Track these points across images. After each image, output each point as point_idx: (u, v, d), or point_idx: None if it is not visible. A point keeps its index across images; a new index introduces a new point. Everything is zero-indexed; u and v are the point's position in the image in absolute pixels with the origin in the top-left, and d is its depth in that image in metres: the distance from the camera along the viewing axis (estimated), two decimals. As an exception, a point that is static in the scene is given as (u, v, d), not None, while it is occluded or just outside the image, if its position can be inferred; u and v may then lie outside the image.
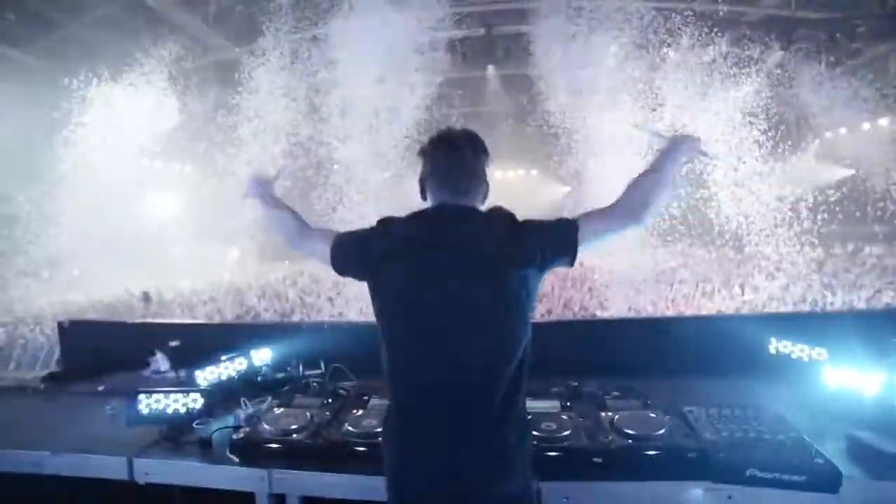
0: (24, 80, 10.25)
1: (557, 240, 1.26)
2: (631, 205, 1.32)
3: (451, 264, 1.21)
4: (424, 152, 1.36)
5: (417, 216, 1.31)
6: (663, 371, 2.19)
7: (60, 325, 3.08)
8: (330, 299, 8.19)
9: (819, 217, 11.77)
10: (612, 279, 8.80)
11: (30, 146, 10.45)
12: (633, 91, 11.32)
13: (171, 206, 14.36)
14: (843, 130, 14.03)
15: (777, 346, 2.26)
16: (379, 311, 1.28)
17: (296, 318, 7.54)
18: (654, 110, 11.23)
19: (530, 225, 1.28)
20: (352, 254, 1.33)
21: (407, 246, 1.25)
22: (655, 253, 12.04)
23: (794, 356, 2.18)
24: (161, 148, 12.53)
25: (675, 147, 1.46)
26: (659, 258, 11.53)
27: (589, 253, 1.31)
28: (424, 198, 1.36)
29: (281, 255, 14.12)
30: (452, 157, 1.31)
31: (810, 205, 11.69)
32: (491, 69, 12.70)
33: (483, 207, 1.35)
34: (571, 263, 1.28)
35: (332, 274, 1.43)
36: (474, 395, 1.19)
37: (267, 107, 11.29)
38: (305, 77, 10.88)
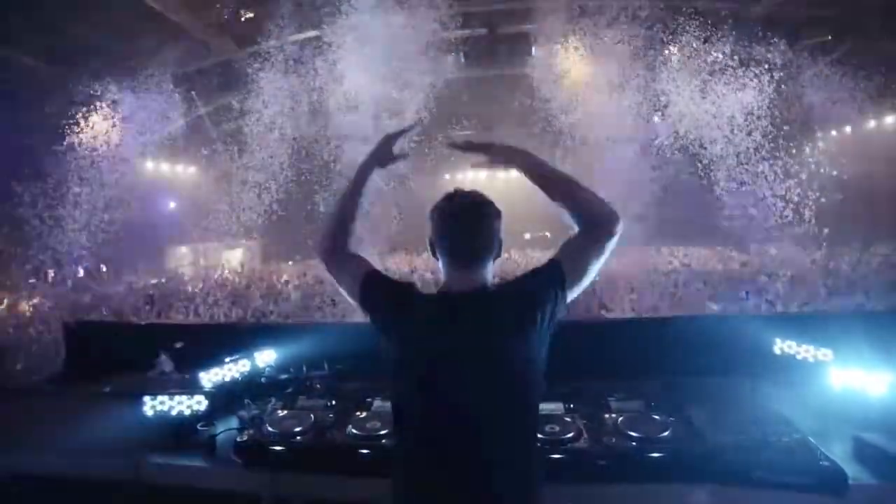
0: (32, 82, 10.32)
1: (553, 295, 1.22)
2: (599, 220, 1.25)
3: (465, 351, 1.18)
4: (433, 216, 1.30)
5: (435, 301, 1.29)
6: (667, 372, 2.18)
7: (66, 325, 3.10)
8: (333, 301, 8.21)
9: (824, 216, 11.69)
10: (616, 280, 8.77)
11: (37, 148, 10.52)
12: (636, 91, 11.30)
13: (175, 206, 14.43)
14: (848, 128, 13.94)
15: (782, 346, 2.25)
16: (393, 375, 1.25)
17: (299, 318, 7.56)
18: (655, 111, 11.22)
19: (529, 293, 1.23)
20: (381, 304, 1.30)
21: (423, 325, 1.23)
22: (659, 253, 12.02)
23: (799, 357, 2.17)
24: (166, 150, 12.60)
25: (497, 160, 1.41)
26: (662, 258, 11.50)
27: (588, 281, 1.27)
28: (435, 257, 1.33)
29: (285, 256, 14.17)
30: (462, 228, 1.27)
31: (815, 203, 11.61)
32: (494, 69, 12.70)
33: (492, 268, 1.30)
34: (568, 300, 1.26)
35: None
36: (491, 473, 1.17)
37: (271, 108, 11.32)
38: (309, 77, 10.89)
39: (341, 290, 1.39)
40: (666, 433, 1.59)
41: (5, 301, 8.93)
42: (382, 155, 1.48)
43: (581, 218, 1.26)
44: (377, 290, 1.32)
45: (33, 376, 2.69)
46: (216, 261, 14.03)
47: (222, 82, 12.42)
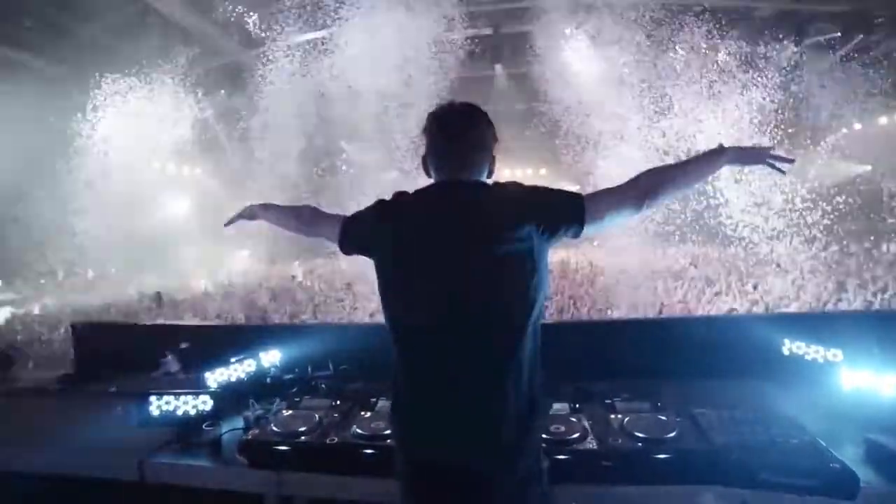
0: (41, 85, 10.43)
1: (564, 207, 1.25)
2: (636, 190, 1.30)
3: (454, 233, 1.20)
4: (425, 129, 1.34)
5: (421, 192, 1.30)
6: (673, 372, 2.16)
7: (74, 326, 3.13)
8: (339, 301, 8.23)
9: (834, 214, 11.56)
10: (622, 278, 8.73)
11: (46, 150, 10.64)
12: (642, 89, 11.23)
13: (182, 208, 14.53)
14: (857, 126, 13.77)
15: (791, 346, 2.21)
16: (383, 286, 1.27)
17: (305, 319, 7.58)
18: (660, 112, 11.14)
19: (536, 194, 1.26)
20: (358, 234, 1.35)
21: (411, 220, 1.25)
22: (665, 252, 11.94)
23: (808, 357, 2.14)
24: (173, 151, 12.69)
25: (726, 153, 1.43)
26: (668, 257, 11.42)
27: (595, 231, 1.29)
28: (429, 175, 1.34)
29: (291, 256, 14.23)
30: (452, 132, 1.29)
31: (825, 201, 11.48)
32: (499, 68, 12.67)
33: (490, 180, 1.34)
34: (578, 233, 1.26)
35: (342, 276, 1.43)
36: (476, 359, 1.18)
37: (277, 109, 11.38)
38: (314, 77, 10.93)
39: (342, 251, 1.42)
40: (672, 434, 1.57)
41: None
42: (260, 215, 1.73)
43: (640, 178, 1.32)
44: (350, 226, 1.39)
45: (43, 376, 2.70)
46: (223, 261, 14.12)
47: (229, 83, 12.49)
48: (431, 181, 1.34)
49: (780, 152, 1.47)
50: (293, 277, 11.43)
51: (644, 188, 1.30)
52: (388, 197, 1.34)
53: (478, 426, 1.17)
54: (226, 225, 1.88)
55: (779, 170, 1.47)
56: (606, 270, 9.83)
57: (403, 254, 1.23)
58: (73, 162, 10.76)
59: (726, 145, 1.45)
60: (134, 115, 11.13)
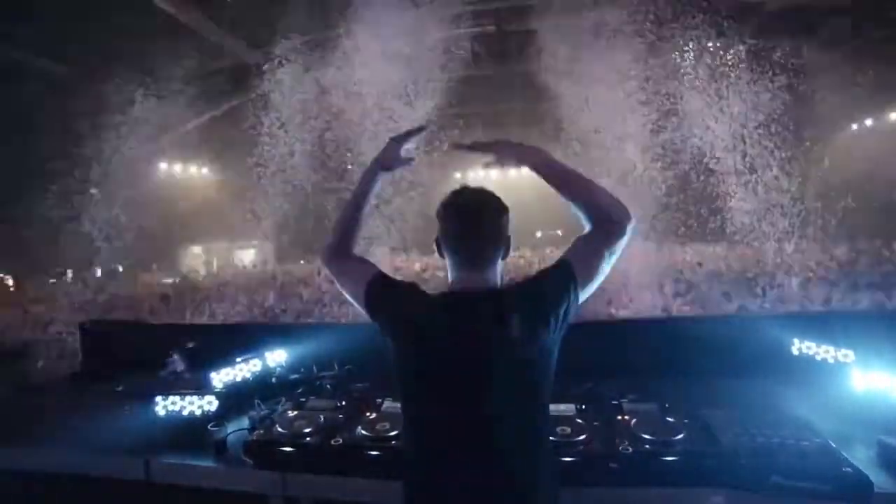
0: (48, 85, 10.54)
1: (568, 301, 1.20)
2: (610, 218, 1.23)
3: (473, 352, 1.16)
4: (439, 214, 1.29)
5: (441, 300, 1.25)
6: (681, 373, 2.14)
7: (82, 325, 3.15)
8: (344, 301, 8.23)
9: (844, 212, 11.42)
10: (628, 278, 8.67)
11: (54, 149, 10.75)
12: (647, 87, 11.15)
13: (189, 207, 14.63)
14: (868, 122, 13.59)
15: (800, 346, 2.19)
16: (400, 376, 1.24)
17: (310, 318, 7.61)
18: (666, 109, 11.05)
19: (541, 297, 1.19)
20: (386, 306, 1.28)
21: (431, 326, 1.20)
22: (672, 251, 11.86)
23: (818, 357, 2.11)
24: (180, 151, 12.78)
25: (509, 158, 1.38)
26: (675, 256, 11.35)
27: (600, 280, 1.24)
28: (442, 257, 1.30)
29: (297, 256, 14.29)
30: (466, 226, 1.24)
31: (834, 199, 11.34)
32: (503, 67, 12.62)
33: (501, 267, 1.28)
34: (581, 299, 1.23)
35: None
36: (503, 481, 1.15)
37: (283, 109, 11.41)
38: (321, 77, 10.95)
39: (345, 293, 1.37)
40: (680, 436, 1.55)
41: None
42: (388, 160, 1.45)
43: (592, 216, 1.23)
44: (382, 292, 1.30)
45: (51, 375, 2.73)
46: (230, 260, 14.22)
47: (236, 83, 12.54)
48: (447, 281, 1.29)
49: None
50: (298, 276, 11.47)
51: (618, 213, 1.23)
52: (409, 285, 1.31)
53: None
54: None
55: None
56: (613, 269, 9.77)
57: (425, 359, 1.20)
58: (81, 161, 10.86)
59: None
60: (141, 115, 11.21)
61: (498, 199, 1.27)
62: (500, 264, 1.27)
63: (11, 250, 11.69)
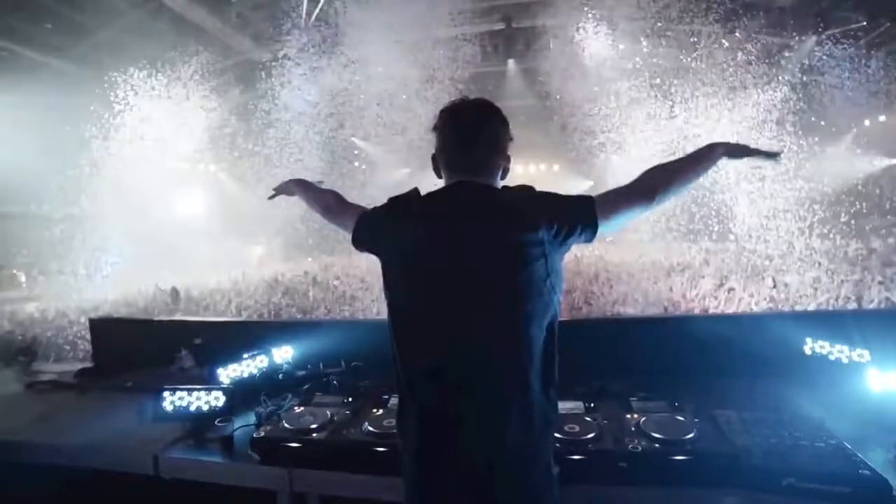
0: (60, 84, 10.64)
1: (576, 211, 1.22)
2: (645, 185, 1.30)
3: (465, 238, 1.16)
4: (436, 127, 1.29)
5: (432, 195, 1.26)
6: (690, 371, 2.11)
7: (91, 321, 3.18)
8: (352, 297, 8.27)
9: (856, 209, 11.25)
10: (636, 275, 8.61)
11: (65, 148, 10.86)
12: (657, 82, 11.05)
13: (197, 205, 14.73)
14: (882, 118, 13.34)
15: (813, 346, 2.14)
16: (387, 286, 1.25)
17: (317, 315, 7.63)
18: (677, 104, 10.93)
19: (548, 197, 1.23)
20: (369, 230, 1.33)
21: (420, 222, 1.20)
22: (680, 248, 11.75)
23: (832, 357, 2.06)
24: (189, 148, 12.87)
25: (720, 146, 1.42)
26: (683, 253, 11.25)
27: (608, 230, 1.27)
28: (439, 175, 1.30)
29: (304, 253, 14.34)
30: (465, 131, 1.24)
31: (846, 196, 11.19)
32: (511, 63, 12.56)
33: (502, 183, 1.29)
34: (592, 237, 1.23)
35: (355, 271, 1.42)
36: (482, 375, 1.14)
37: (291, 106, 11.45)
38: (328, 73, 10.97)
39: (354, 245, 1.39)
40: (691, 435, 1.52)
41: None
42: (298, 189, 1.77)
43: (648, 174, 1.31)
44: (363, 221, 1.35)
45: (61, 370, 2.75)
46: (238, 257, 14.29)
47: (243, 81, 12.59)
48: (441, 182, 1.30)
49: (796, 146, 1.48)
50: (305, 273, 11.50)
51: (652, 185, 1.29)
52: (400, 194, 1.30)
53: (490, 433, 1.15)
54: (269, 198, 1.96)
55: (771, 156, 1.50)
56: (620, 267, 9.71)
57: (413, 256, 1.19)
58: (92, 160, 10.97)
59: (740, 141, 1.47)
60: (151, 113, 11.30)
61: (498, 109, 1.27)
62: (498, 179, 1.27)
63: (23, 247, 11.84)
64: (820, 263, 9.08)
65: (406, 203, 1.26)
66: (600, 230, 1.22)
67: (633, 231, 10.99)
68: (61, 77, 10.72)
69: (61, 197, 10.88)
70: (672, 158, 1.45)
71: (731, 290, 7.41)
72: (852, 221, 11.07)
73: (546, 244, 1.15)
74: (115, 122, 11.08)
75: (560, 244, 1.19)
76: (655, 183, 1.29)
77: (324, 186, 1.75)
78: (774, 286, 7.46)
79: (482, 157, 1.23)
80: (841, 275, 8.18)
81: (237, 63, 12.43)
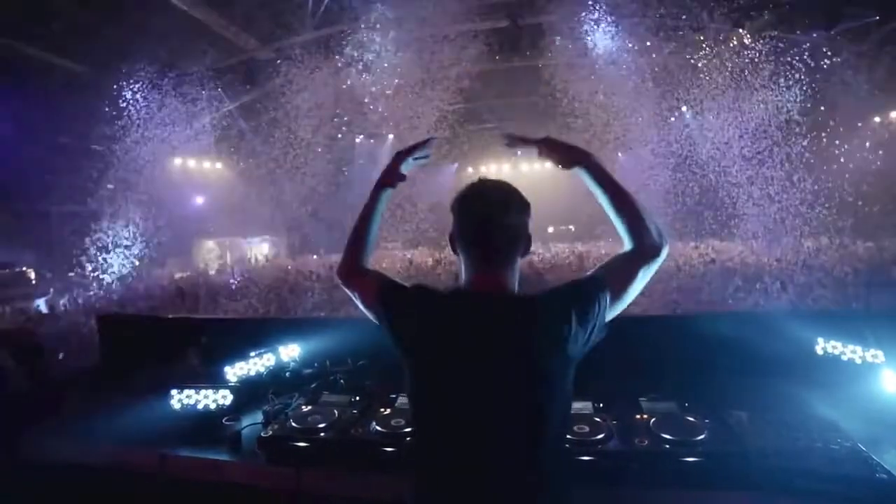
0: (69, 84, 10.71)
1: (596, 317, 1.13)
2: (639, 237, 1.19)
3: (483, 359, 1.10)
4: (454, 208, 1.21)
5: (453, 301, 1.19)
6: (698, 371, 2.07)
7: (99, 319, 3.20)
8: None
9: (866, 208, 11.12)
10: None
11: (75, 147, 10.95)
12: (663, 80, 10.97)
13: (204, 202, 14.80)
14: (894, 114, 13.17)
15: (825, 346, 2.12)
16: (410, 382, 1.19)
17: (322, 313, 7.65)
18: (683, 103, 10.83)
19: (568, 314, 1.10)
20: (393, 311, 1.22)
21: (441, 329, 1.14)
22: (686, 246, 11.67)
23: (844, 357, 2.04)
24: (195, 146, 12.94)
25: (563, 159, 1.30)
26: (689, 252, 11.17)
27: (629, 300, 1.19)
28: (456, 253, 1.23)
29: (310, 250, 14.37)
30: (485, 221, 1.16)
31: (856, 195, 11.05)
32: (516, 60, 12.50)
33: (518, 267, 1.20)
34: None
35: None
36: (500, 474, 1.09)
37: (295, 104, 11.47)
38: (332, 72, 10.98)
39: (361, 308, 1.32)
40: (702, 436, 1.51)
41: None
42: (392, 176, 1.41)
43: (634, 235, 1.19)
44: (389, 297, 1.24)
45: (70, 368, 2.77)
46: (244, 254, 14.36)
47: (249, 80, 12.62)
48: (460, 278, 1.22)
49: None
50: (311, 273, 11.53)
51: (658, 234, 1.19)
52: (419, 284, 1.25)
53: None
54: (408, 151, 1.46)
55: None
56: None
57: (438, 351, 1.14)
58: (101, 158, 11.05)
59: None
60: (157, 112, 11.35)
61: (519, 193, 1.20)
62: (517, 264, 1.20)
63: (32, 244, 11.95)
64: (828, 261, 8.99)
65: (424, 300, 1.20)
66: (616, 310, 1.17)
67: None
68: (71, 76, 10.79)
69: (71, 195, 10.97)
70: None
71: (737, 289, 7.36)
72: (865, 220, 10.95)
73: (570, 357, 1.11)
74: (122, 121, 11.14)
75: (585, 348, 1.13)
76: (654, 229, 1.20)
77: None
78: (783, 287, 7.40)
79: (502, 248, 1.17)
80: (851, 273, 8.09)
81: (243, 62, 12.45)
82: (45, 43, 10.12)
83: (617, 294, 1.15)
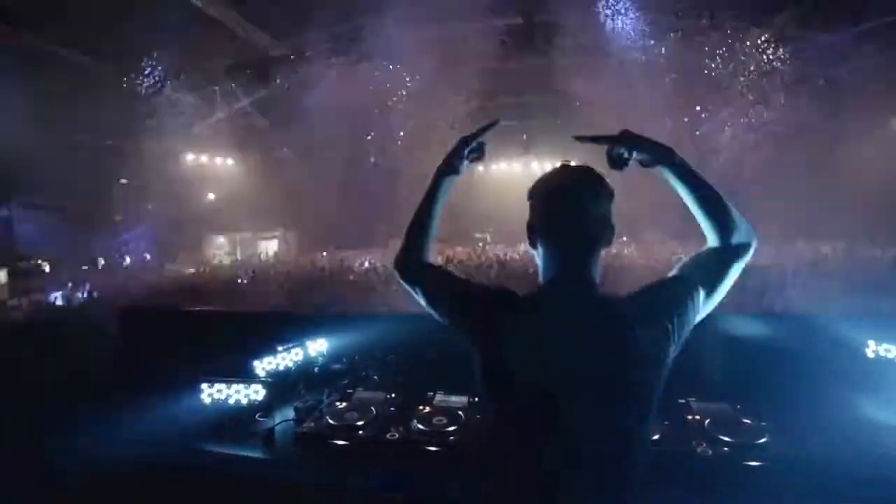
0: (84, 80, 10.77)
1: (691, 317, 1.06)
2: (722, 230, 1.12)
3: (573, 367, 1.02)
4: (533, 195, 1.15)
5: (544, 301, 1.10)
6: (742, 373, 1.99)
7: (118, 311, 3.17)
8: (373, 289, 8.23)
9: (884, 211, 10.90)
10: (657, 273, 8.44)
11: (88, 143, 11.02)
12: (677, 77, 10.85)
13: (214, 198, 14.85)
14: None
15: (877, 349, 2.03)
16: (489, 389, 1.10)
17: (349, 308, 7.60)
18: (697, 100, 10.70)
19: (665, 316, 1.03)
20: (474, 312, 1.13)
21: (527, 335, 1.06)
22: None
23: (899, 361, 1.95)
24: (207, 142, 13.00)
25: (643, 152, 1.20)
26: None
27: (719, 299, 1.11)
28: (534, 246, 1.15)
29: (320, 245, 14.36)
30: (572, 209, 1.10)
31: (873, 196, 10.84)
32: (530, 58, 12.41)
33: (605, 252, 1.13)
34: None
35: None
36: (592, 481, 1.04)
37: (308, 101, 11.48)
38: (345, 69, 10.97)
39: (425, 304, 1.22)
40: (764, 439, 1.43)
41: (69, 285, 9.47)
42: (457, 161, 1.30)
43: (723, 233, 1.11)
44: (467, 300, 1.15)
45: (90, 362, 2.73)
46: (253, 250, 14.39)
47: (261, 77, 12.63)
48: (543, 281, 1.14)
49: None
50: (322, 269, 11.52)
51: (747, 230, 1.12)
52: (503, 288, 1.16)
53: None
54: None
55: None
56: (640, 265, 9.55)
57: (527, 356, 1.05)
58: (110, 152, 11.11)
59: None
60: (170, 108, 11.41)
61: (604, 179, 1.12)
62: (602, 257, 1.13)
63: (47, 238, 12.04)
64: (845, 265, 8.82)
65: (511, 305, 1.11)
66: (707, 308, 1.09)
67: (654, 229, 10.79)
68: (84, 72, 10.85)
69: (86, 190, 11.04)
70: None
71: (764, 292, 7.22)
72: (882, 223, 10.74)
73: (668, 361, 1.04)
74: (133, 116, 11.19)
75: (678, 350, 1.06)
76: (743, 225, 1.13)
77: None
78: (803, 288, 7.25)
79: (589, 238, 1.10)
80: (867, 277, 7.91)
81: (254, 58, 12.46)
82: (61, 38, 10.17)
83: (709, 294, 1.08)
